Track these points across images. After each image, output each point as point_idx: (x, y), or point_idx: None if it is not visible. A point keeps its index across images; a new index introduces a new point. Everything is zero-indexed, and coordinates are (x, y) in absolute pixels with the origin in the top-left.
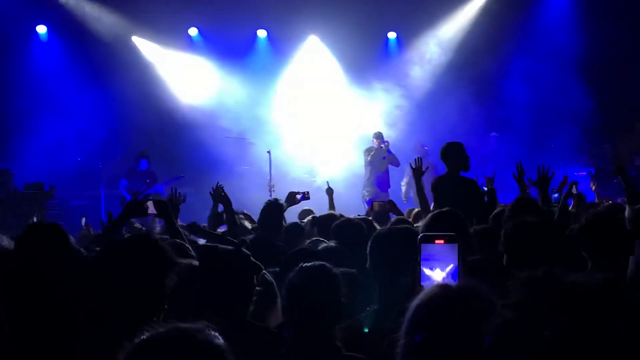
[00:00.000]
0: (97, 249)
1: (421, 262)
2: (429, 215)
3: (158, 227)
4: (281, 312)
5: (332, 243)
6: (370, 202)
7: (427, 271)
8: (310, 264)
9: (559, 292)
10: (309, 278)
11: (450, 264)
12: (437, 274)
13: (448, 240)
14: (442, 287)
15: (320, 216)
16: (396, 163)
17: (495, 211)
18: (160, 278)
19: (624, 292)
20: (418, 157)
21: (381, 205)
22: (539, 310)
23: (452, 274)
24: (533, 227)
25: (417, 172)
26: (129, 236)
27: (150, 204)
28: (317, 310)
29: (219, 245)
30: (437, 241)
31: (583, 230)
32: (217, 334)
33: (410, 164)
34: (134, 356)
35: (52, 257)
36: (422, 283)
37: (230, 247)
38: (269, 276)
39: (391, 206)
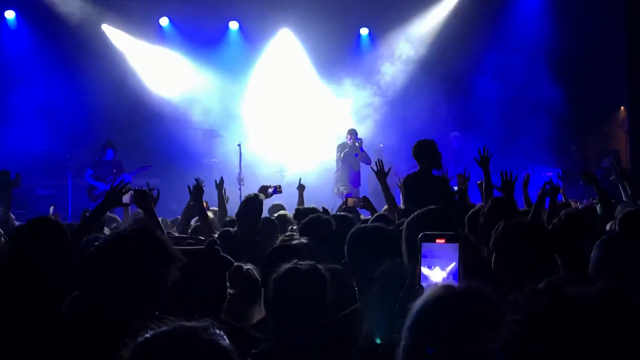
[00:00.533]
0: (96, 243)
1: (421, 261)
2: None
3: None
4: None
5: (303, 240)
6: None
7: (426, 271)
8: (302, 263)
9: (567, 305)
10: (300, 278)
11: (450, 264)
12: (436, 274)
13: (449, 240)
14: (447, 289)
15: (305, 209)
16: (368, 161)
17: (472, 210)
18: (164, 273)
19: (628, 302)
20: (379, 160)
21: (356, 202)
22: (551, 326)
23: (453, 274)
24: (525, 228)
25: (380, 174)
26: (131, 230)
27: (129, 194)
28: (305, 309)
29: (187, 246)
30: (438, 240)
31: (556, 231)
32: (221, 332)
33: (372, 167)
34: (138, 355)
35: (49, 254)
36: (422, 283)
37: (200, 247)
38: (254, 273)
39: (365, 202)
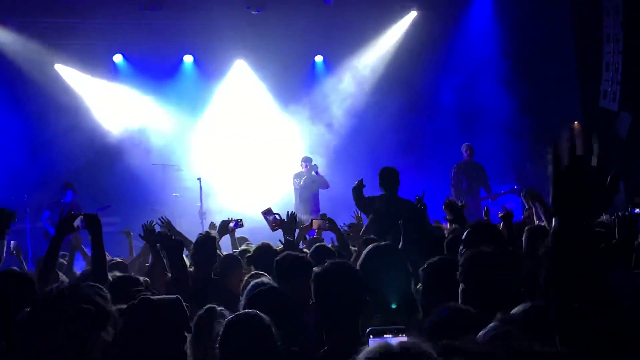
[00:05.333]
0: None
1: None
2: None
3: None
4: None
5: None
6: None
7: None
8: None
9: None
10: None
11: None
12: None
13: (396, 334)
14: (384, 347)
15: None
16: (325, 185)
17: (449, 237)
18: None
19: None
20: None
21: (321, 224)
22: None
23: None
24: (489, 257)
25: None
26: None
27: (79, 219)
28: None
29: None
30: (385, 335)
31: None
32: None
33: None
34: None
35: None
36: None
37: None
38: (227, 312)
39: (331, 225)
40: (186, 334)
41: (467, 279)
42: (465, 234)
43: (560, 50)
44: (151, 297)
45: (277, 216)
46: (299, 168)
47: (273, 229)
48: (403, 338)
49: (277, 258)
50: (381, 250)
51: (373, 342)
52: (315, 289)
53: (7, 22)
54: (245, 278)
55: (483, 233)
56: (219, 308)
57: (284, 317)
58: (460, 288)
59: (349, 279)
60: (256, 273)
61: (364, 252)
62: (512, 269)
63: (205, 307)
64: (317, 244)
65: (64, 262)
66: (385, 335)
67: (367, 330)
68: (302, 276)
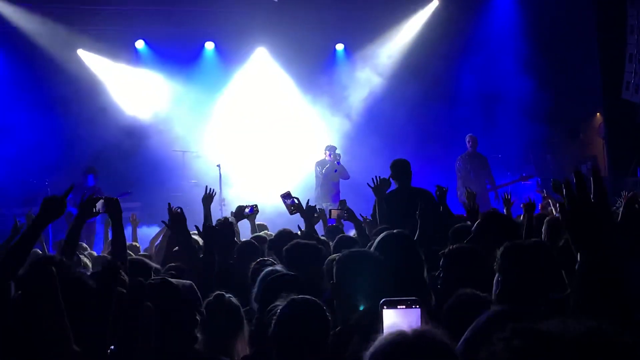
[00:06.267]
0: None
1: (383, 328)
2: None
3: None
4: (249, 341)
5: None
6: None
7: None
8: (300, 298)
9: (544, 349)
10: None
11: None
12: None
13: (409, 305)
14: (400, 335)
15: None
16: (346, 175)
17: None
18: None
19: (613, 340)
20: (376, 176)
21: (339, 213)
22: None
23: None
24: (531, 248)
25: (377, 189)
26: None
27: (100, 202)
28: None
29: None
30: (399, 306)
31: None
32: None
33: (368, 183)
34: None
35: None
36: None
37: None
38: (235, 300)
39: (349, 214)
40: (198, 319)
41: (506, 270)
42: (476, 224)
43: (584, 41)
44: (170, 279)
45: (295, 200)
46: (318, 156)
47: (291, 213)
48: (416, 309)
49: (286, 247)
50: (393, 237)
51: (386, 314)
52: (338, 272)
53: (33, 7)
54: (252, 265)
55: (495, 224)
56: (227, 295)
57: None
58: (496, 278)
59: (372, 263)
60: (262, 260)
61: (377, 239)
62: (551, 261)
63: (214, 293)
64: (340, 235)
65: (85, 245)
66: (398, 306)
67: (381, 301)
68: (313, 263)
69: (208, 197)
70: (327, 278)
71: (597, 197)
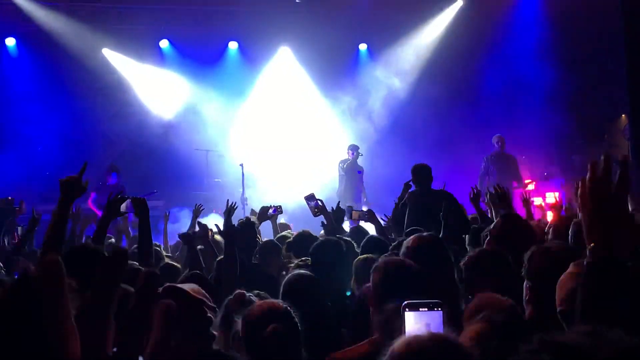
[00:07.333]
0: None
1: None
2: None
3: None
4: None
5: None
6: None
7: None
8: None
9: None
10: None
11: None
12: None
13: (432, 307)
14: (415, 340)
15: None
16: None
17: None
18: None
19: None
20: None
21: (360, 214)
22: None
23: None
24: (560, 253)
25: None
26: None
27: (127, 202)
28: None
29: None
30: (421, 309)
31: None
32: None
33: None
34: None
35: None
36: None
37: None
38: (254, 298)
39: (370, 216)
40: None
41: (535, 276)
42: (492, 226)
43: (610, 42)
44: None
45: (319, 202)
46: (341, 156)
47: (315, 215)
48: (438, 312)
49: (311, 250)
50: (425, 241)
51: (408, 316)
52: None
53: (59, 6)
54: (291, 267)
55: (512, 226)
56: (248, 294)
57: (319, 304)
58: (525, 285)
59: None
60: (300, 264)
61: (406, 243)
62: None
63: (236, 292)
64: (369, 235)
65: (113, 241)
66: (420, 309)
67: (403, 303)
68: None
69: (230, 209)
70: (354, 277)
71: (619, 188)
